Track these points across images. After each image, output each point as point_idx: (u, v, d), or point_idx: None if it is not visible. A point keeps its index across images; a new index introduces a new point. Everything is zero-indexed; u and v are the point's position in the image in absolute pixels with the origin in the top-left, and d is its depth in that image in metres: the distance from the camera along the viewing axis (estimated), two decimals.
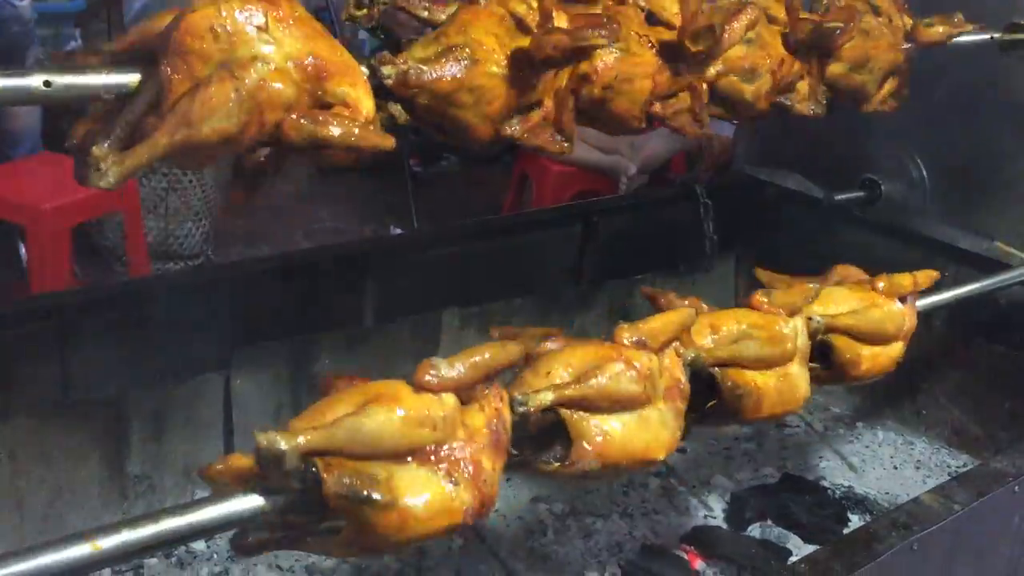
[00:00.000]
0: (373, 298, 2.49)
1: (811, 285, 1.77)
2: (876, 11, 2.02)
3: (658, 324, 1.46)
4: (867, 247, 2.78)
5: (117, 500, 2.09)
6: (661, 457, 1.41)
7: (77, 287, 3.74)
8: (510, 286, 2.67)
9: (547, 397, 1.30)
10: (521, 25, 1.35)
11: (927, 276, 1.95)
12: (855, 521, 2.35)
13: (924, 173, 2.70)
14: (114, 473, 2.09)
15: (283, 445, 1.06)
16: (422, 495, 1.15)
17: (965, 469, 2.49)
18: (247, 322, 2.27)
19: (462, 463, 1.19)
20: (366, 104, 1.19)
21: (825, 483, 2.50)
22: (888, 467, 2.64)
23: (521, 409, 1.28)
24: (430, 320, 2.50)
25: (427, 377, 1.18)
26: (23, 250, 4.02)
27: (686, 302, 1.59)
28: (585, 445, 1.33)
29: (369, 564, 2.07)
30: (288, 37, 1.12)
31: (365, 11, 1.28)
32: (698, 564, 2.14)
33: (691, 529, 2.26)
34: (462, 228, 3.05)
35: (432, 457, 1.17)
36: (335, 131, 1.14)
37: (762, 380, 1.57)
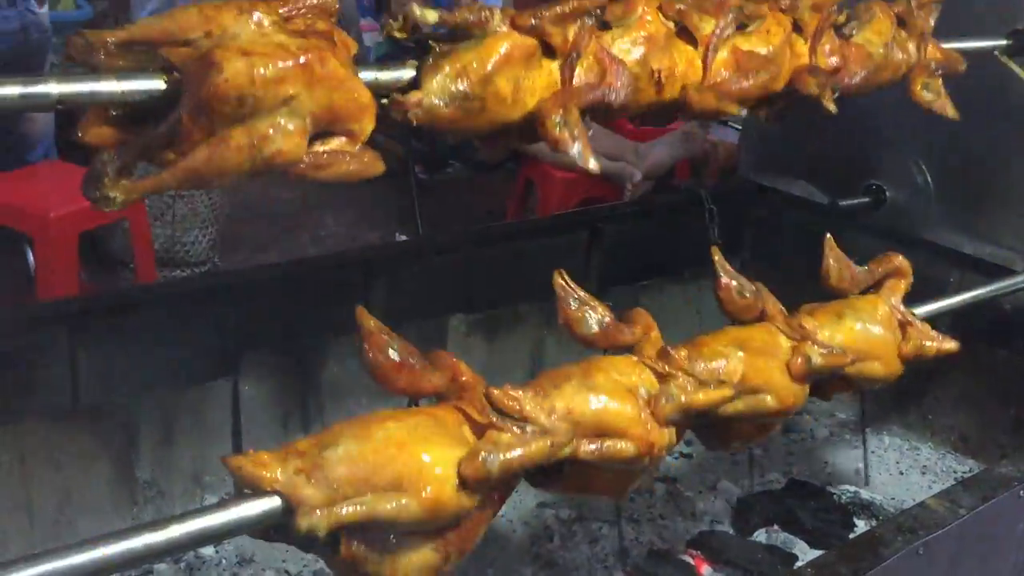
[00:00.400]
0: (379, 304, 2.50)
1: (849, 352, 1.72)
2: (901, 23, 2.00)
3: (700, 400, 1.44)
4: (872, 253, 2.77)
5: (127, 505, 2.10)
6: (620, 501, 1.47)
7: (87, 294, 3.75)
8: (516, 292, 2.68)
9: (566, 452, 1.32)
10: (549, 52, 1.35)
11: (948, 347, 1.95)
12: (861, 526, 2.35)
13: (928, 179, 2.71)
14: (123, 478, 2.10)
15: (322, 531, 1.11)
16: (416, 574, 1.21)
17: (971, 474, 2.49)
18: (255, 328, 2.28)
19: (462, 541, 1.24)
20: (367, 131, 1.21)
21: (831, 488, 2.50)
22: (894, 472, 2.65)
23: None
24: (436, 326, 2.52)
25: (477, 478, 1.19)
26: (31, 257, 4.04)
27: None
28: (571, 481, 1.39)
29: None
30: (313, 97, 1.12)
31: (406, 35, 1.29)
32: (704, 569, 2.14)
33: (697, 534, 2.27)
34: (467, 235, 3.06)
35: (438, 540, 1.21)
36: (333, 173, 1.18)
37: (746, 428, 1.61)
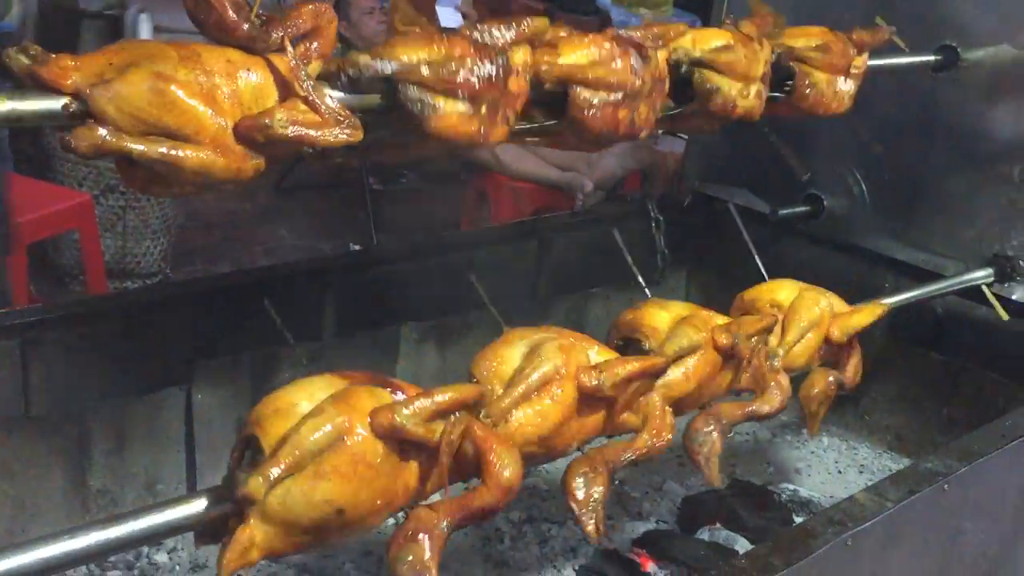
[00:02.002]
0: (333, 313, 2.54)
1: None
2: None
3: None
4: (811, 259, 2.88)
5: (79, 513, 2.11)
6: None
7: (38, 304, 3.73)
8: (467, 301, 2.73)
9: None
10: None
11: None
12: (799, 523, 2.43)
13: (864, 189, 2.82)
14: (76, 487, 2.11)
15: None
16: None
17: None
18: (207, 337, 2.31)
19: None
20: None
21: (772, 488, 2.59)
22: (832, 471, 2.74)
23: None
24: (389, 334, 2.56)
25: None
26: None
27: None
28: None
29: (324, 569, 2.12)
30: None
31: None
32: (649, 566, 2.21)
33: (643, 534, 2.33)
34: (420, 244, 3.10)
35: None
36: None
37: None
